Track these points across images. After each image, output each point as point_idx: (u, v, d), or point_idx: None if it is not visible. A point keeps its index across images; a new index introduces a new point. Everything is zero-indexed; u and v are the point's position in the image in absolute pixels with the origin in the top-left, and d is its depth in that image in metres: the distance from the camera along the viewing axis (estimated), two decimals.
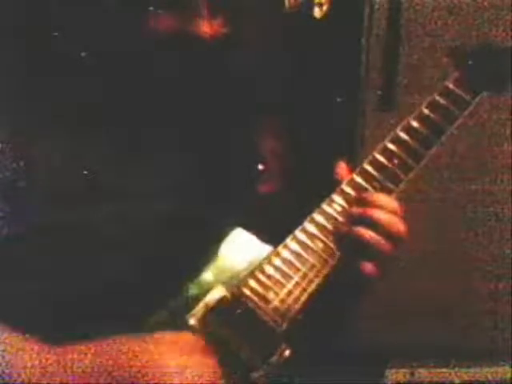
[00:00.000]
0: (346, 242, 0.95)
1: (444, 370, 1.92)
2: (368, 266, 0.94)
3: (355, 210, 0.96)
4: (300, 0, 1.47)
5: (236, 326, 0.88)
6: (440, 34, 1.69)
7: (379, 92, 1.71)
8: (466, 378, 1.92)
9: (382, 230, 0.94)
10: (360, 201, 0.96)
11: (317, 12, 1.55)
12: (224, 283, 0.91)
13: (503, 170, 1.79)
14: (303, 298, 0.92)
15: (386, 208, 0.95)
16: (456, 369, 1.92)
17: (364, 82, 1.71)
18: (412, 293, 1.77)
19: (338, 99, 1.56)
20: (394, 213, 0.96)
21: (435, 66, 1.68)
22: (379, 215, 0.95)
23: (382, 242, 0.94)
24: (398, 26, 1.68)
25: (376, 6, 1.67)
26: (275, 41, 1.24)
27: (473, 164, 1.79)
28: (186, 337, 0.87)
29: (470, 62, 1.05)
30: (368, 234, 0.94)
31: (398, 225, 0.95)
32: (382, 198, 0.96)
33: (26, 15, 0.95)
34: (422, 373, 1.92)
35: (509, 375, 1.89)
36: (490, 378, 1.92)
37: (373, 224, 0.94)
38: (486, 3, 1.67)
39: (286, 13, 1.45)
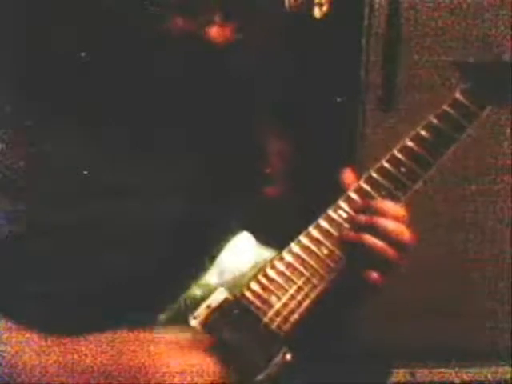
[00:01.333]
0: (351, 249, 0.95)
1: (444, 369, 1.92)
2: (373, 275, 0.94)
3: (361, 217, 0.95)
4: (300, 0, 1.47)
5: (238, 328, 0.88)
6: (440, 34, 1.69)
7: (379, 92, 1.71)
8: (465, 378, 1.92)
9: (388, 238, 0.94)
10: (366, 208, 0.96)
11: (317, 12, 1.55)
12: (227, 286, 0.91)
13: (503, 170, 1.79)
14: (305, 303, 0.92)
15: (393, 216, 0.95)
16: (456, 369, 1.92)
17: (364, 82, 1.71)
18: (412, 293, 1.77)
19: (338, 99, 1.56)
20: (400, 221, 0.95)
21: (435, 66, 1.68)
22: (385, 223, 0.94)
23: (388, 249, 0.94)
24: (397, 26, 1.67)
25: (376, 6, 1.67)
26: (275, 41, 1.24)
27: (473, 164, 1.79)
28: (187, 336, 0.87)
29: (477, 74, 1.06)
30: (374, 241, 0.94)
31: (405, 233, 0.95)
32: (388, 206, 0.96)
33: (25, 15, 0.95)
34: (422, 373, 1.92)
35: (509, 375, 1.89)
36: (490, 378, 1.92)
37: (379, 231, 0.94)
38: (485, 3, 1.67)
39: (286, 13, 1.45)
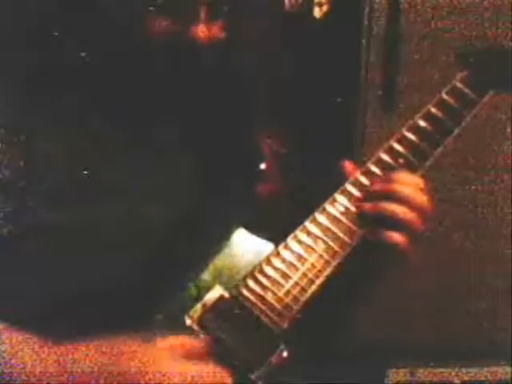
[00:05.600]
0: (367, 222, 0.93)
1: (444, 369, 1.92)
2: (395, 236, 0.92)
3: (378, 185, 0.94)
4: (300, 0, 1.47)
5: (234, 326, 0.88)
6: (440, 34, 1.69)
7: (379, 92, 1.72)
8: (465, 378, 1.92)
9: (408, 203, 0.93)
10: (376, 188, 0.95)
11: (317, 12, 1.55)
12: (222, 283, 0.91)
13: (503, 170, 1.79)
14: (302, 299, 0.91)
15: (408, 183, 0.94)
16: (456, 369, 1.92)
17: (364, 82, 1.71)
18: (412, 293, 1.77)
19: (338, 99, 1.56)
20: (416, 187, 0.94)
21: (435, 66, 1.68)
22: (403, 189, 0.93)
23: (409, 213, 0.93)
24: (397, 26, 1.68)
25: (376, 6, 1.67)
26: (275, 41, 1.24)
27: (473, 164, 1.79)
28: (185, 337, 0.87)
29: (477, 61, 1.04)
30: (394, 207, 0.93)
31: (423, 197, 0.94)
32: (405, 175, 0.95)
33: (26, 16, 0.95)
34: (422, 373, 1.92)
35: (509, 375, 1.89)
36: (490, 378, 1.92)
37: (397, 198, 0.93)
38: (485, 3, 1.67)
39: (286, 13, 1.46)
